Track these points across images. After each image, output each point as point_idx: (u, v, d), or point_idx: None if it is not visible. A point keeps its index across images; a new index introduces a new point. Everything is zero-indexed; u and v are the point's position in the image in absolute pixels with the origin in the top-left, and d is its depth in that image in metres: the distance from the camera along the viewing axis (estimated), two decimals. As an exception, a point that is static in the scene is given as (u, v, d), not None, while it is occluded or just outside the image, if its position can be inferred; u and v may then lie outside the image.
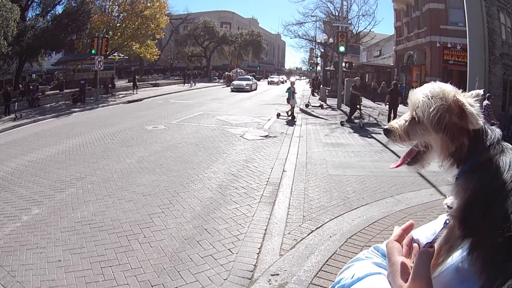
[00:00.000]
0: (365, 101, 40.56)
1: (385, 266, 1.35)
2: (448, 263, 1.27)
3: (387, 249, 1.34)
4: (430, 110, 1.28)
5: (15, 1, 33.37)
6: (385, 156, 15.24)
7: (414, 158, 1.47)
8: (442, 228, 1.34)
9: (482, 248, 1.13)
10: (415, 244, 1.35)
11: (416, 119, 1.35)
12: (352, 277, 1.33)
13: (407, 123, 1.40)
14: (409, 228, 1.40)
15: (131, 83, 53.50)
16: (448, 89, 1.30)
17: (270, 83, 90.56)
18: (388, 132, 1.46)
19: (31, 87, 36.03)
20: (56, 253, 6.98)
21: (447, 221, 1.33)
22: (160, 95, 46.76)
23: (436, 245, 1.27)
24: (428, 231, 1.46)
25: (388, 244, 1.35)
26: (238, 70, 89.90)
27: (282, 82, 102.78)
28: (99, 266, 6.48)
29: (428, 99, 1.29)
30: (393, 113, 26.21)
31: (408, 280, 1.16)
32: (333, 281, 1.45)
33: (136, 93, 50.81)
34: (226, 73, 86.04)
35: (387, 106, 26.67)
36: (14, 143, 18.42)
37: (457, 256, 1.25)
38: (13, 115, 27.58)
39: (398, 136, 1.42)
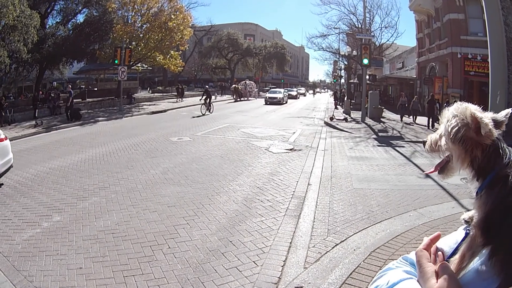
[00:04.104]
0: (389, 114, 40.44)
1: (414, 273, 1.52)
2: (470, 266, 1.44)
3: (417, 256, 1.50)
4: (451, 124, 1.47)
5: (34, 8, 33.85)
6: (408, 169, 15.21)
7: (442, 167, 1.67)
8: (463, 238, 1.52)
9: (501, 253, 1.31)
10: (439, 252, 1.54)
11: (443, 132, 1.54)
12: (387, 283, 1.50)
13: (437, 136, 1.60)
14: (436, 238, 1.58)
15: (153, 94, 54.26)
16: (470, 107, 1.46)
17: (269, 101, 59.68)
18: (424, 143, 1.71)
19: (52, 95, 36.32)
20: (77, 260, 7.02)
21: (468, 231, 1.51)
22: (184, 107, 46.95)
23: (460, 252, 1.48)
24: (451, 240, 1.62)
25: (418, 252, 1.52)
26: (248, 83, 79.02)
27: (295, 97, 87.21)
28: (122, 275, 6.52)
29: (453, 116, 1.49)
30: (431, 120, 30.88)
31: (438, 281, 1.34)
32: None
33: (182, 101, 52.34)
34: (234, 85, 73.95)
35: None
36: (35, 149, 18.73)
37: (477, 260, 1.43)
38: (33, 122, 27.94)
39: (429, 146, 1.66)
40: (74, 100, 40.66)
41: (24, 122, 28.95)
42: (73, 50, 40.60)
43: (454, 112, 1.49)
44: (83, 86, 57.07)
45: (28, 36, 30.72)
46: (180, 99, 57.29)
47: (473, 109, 1.45)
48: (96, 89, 55.65)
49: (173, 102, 53.46)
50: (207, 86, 48.67)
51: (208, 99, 39.97)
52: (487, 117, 1.43)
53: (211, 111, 39.80)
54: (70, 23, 44.43)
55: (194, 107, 47.42)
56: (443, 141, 1.55)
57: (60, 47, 38.73)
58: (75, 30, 42.53)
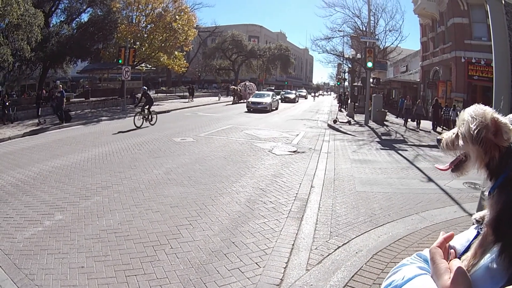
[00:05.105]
0: (392, 117, 40.41)
1: (427, 270, 1.57)
2: (481, 264, 1.49)
3: (431, 253, 1.56)
4: (471, 125, 1.51)
5: (38, 7, 33.99)
6: (411, 173, 15.24)
7: (456, 166, 1.72)
8: (475, 236, 1.59)
9: (510, 249, 1.38)
10: (451, 250, 1.61)
11: (460, 132, 1.59)
12: (403, 278, 1.54)
13: (453, 136, 1.65)
14: (450, 237, 1.63)
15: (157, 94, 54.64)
16: (488, 110, 1.53)
17: (251, 107, 46.49)
18: (438, 142, 1.74)
19: (56, 94, 36.37)
20: (79, 259, 7.02)
21: (479, 230, 1.57)
22: (188, 108, 47.14)
23: (472, 249, 1.54)
24: (462, 239, 1.68)
25: (432, 249, 1.58)
26: (247, 84, 73.77)
27: (293, 101, 76.49)
28: (124, 274, 6.52)
29: (472, 117, 1.53)
30: (436, 122, 32.64)
31: (451, 277, 1.39)
32: None
33: (192, 100, 55.25)
34: (232, 87, 71.64)
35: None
36: (37, 148, 18.70)
37: (487, 257, 1.48)
38: (36, 120, 28.20)
39: (445, 145, 1.70)
40: (76, 99, 40.60)
41: (27, 121, 29.03)
42: (77, 49, 40.68)
43: (473, 114, 1.54)
44: (87, 85, 57.04)
45: (32, 34, 30.66)
46: (191, 99, 58.97)
47: (493, 112, 1.52)
48: (99, 84, 55.95)
49: (183, 102, 54.47)
50: (145, 88, 32.33)
51: (148, 106, 29.01)
52: (504, 120, 1.50)
53: (152, 121, 29.01)
54: (74, 22, 44.56)
55: (198, 107, 47.58)
56: (461, 141, 1.59)
57: (64, 46, 38.77)
58: (79, 29, 42.59)
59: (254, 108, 45.86)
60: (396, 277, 1.58)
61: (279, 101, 57.15)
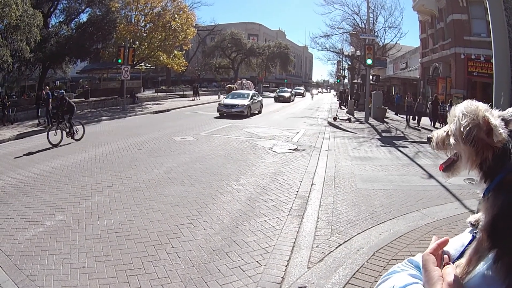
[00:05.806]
0: (392, 114, 40.37)
1: (419, 277, 1.49)
2: (476, 271, 1.41)
3: (423, 260, 1.47)
4: (462, 123, 1.42)
5: (37, 7, 33.74)
6: (412, 170, 15.20)
7: (448, 166, 1.63)
8: (470, 241, 1.49)
9: (507, 257, 1.29)
10: (445, 256, 1.50)
11: (451, 130, 1.50)
12: None
13: (444, 134, 1.56)
14: (444, 243, 1.52)
15: (157, 93, 54.62)
16: (481, 107, 1.43)
17: (224, 111, 35.91)
18: (429, 140, 1.66)
19: (55, 94, 36.24)
20: (80, 260, 7.00)
21: (475, 235, 1.47)
22: (187, 106, 47.17)
23: (466, 256, 1.45)
24: (457, 243, 1.58)
25: (424, 256, 1.48)
26: (244, 82, 74.13)
27: (288, 100, 66.75)
28: (125, 274, 6.50)
29: (463, 114, 1.43)
30: (434, 119, 32.00)
31: (443, 286, 1.31)
32: None
33: (199, 99, 56.12)
34: (228, 85, 73.09)
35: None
36: (37, 148, 18.63)
37: (483, 265, 1.40)
38: (36, 121, 28.29)
39: (435, 144, 1.61)
40: (76, 100, 40.50)
41: (27, 121, 29.16)
42: (76, 49, 40.51)
43: (464, 111, 1.44)
44: (86, 86, 56.99)
45: (31, 35, 30.53)
46: (197, 97, 59.39)
47: (485, 110, 1.41)
48: (98, 82, 55.95)
49: (188, 100, 55.55)
50: (62, 92, 25.22)
51: (69, 114, 21.00)
52: (495, 116, 1.41)
53: (77, 136, 20.98)
54: (73, 22, 44.33)
55: (198, 106, 47.44)
56: (452, 140, 1.49)
57: (63, 46, 38.63)
58: (78, 30, 42.37)
59: (227, 113, 35.57)
60: (385, 286, 1.52)
61: (262, 102, 43.79)
